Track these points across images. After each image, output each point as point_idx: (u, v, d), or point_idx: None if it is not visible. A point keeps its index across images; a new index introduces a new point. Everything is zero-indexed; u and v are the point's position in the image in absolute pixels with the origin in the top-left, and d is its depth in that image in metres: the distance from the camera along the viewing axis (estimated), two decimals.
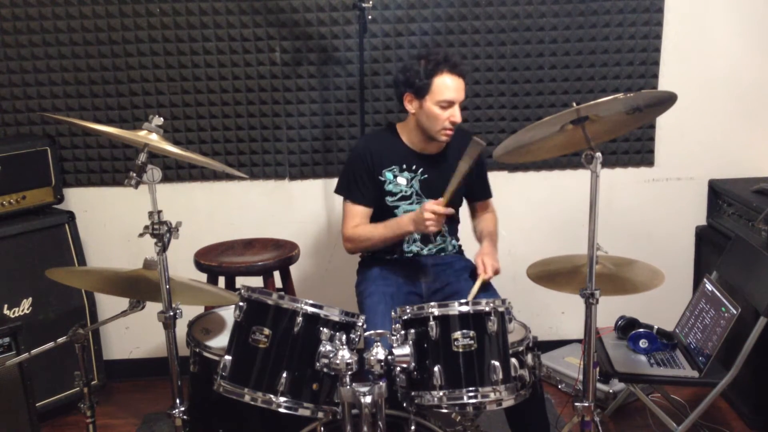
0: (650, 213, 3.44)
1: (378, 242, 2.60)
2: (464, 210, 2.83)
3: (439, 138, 2.55)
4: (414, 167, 2.64)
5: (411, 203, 2.64)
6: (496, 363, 1.92)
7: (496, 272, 2.55)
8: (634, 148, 3.37)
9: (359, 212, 2.63)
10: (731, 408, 3.06)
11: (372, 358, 1.86)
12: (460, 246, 2.80)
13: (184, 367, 2.18)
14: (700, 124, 3.35)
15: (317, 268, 3.44)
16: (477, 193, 2.79)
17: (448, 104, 2.49)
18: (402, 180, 2.63)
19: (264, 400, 1.92)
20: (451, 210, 2.44)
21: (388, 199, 2.64)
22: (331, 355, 1.89)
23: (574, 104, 1.96)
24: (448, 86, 2.48)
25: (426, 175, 2.63)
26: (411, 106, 2.56)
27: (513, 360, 1.99)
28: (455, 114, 2.49)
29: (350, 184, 2.65)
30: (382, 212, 2.65)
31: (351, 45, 3.21)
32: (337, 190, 2.70)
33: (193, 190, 3.37)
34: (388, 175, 2.63)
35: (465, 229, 2.81)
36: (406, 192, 2.64)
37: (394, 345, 1.95)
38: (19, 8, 3.14)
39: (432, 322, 1.93)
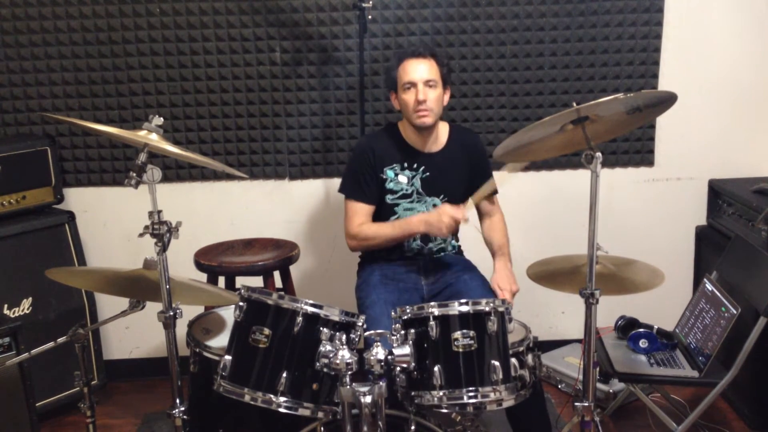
0: (650, 213, 3.44)
1: (384, 242, 2.61)
2: None
3: (416, 122, 2.56)
4: (415, 165, 2.64)
5: (411, 201, 2.64)
6: (496, 363, 1.92)
7: (515, 293, 2.53)
8: (634, 148, 3.36)
9: (363, 210, 2.64)
10: (731, 408, 3.06)
11: (372, 358, 1.86)
12: (459, 246, 2.80)
13: (184, 367, 2.18)
14: (700, 124, 3.35)
15: (317, 268, 3.44)
16: (479, 184, 2.72)
17: (411, 85, 2.53)
18: (403, 178, 2.64)
19: (264, 400, 1.92)
20: (468, 218, 2.48)
21: (389, 197, 2.64)
22: (331, 355, 1.89)
23: (574, 104, 1.96)
24: (406, 69, 2.54)
25: (427, 173, 2.64)
26: (396, 103, 2.63)
27: (513, 360, 1.99)
28: (419, 92, 2.51)
29: (353, 182, 2.65)
30: (381, 210, 2.65)
31: (351, 45, 3.21)
32: (341, 189, 2.70)
33: (193, 190, 3.37)
34: (389, 173, 2.64)
35: (464, 229, 2.80)
36: (406, 190, 2.64)
37: (394, 345, 1.95)
38: (19, 8, 3.14)
39: (432, 322, 1.93)
